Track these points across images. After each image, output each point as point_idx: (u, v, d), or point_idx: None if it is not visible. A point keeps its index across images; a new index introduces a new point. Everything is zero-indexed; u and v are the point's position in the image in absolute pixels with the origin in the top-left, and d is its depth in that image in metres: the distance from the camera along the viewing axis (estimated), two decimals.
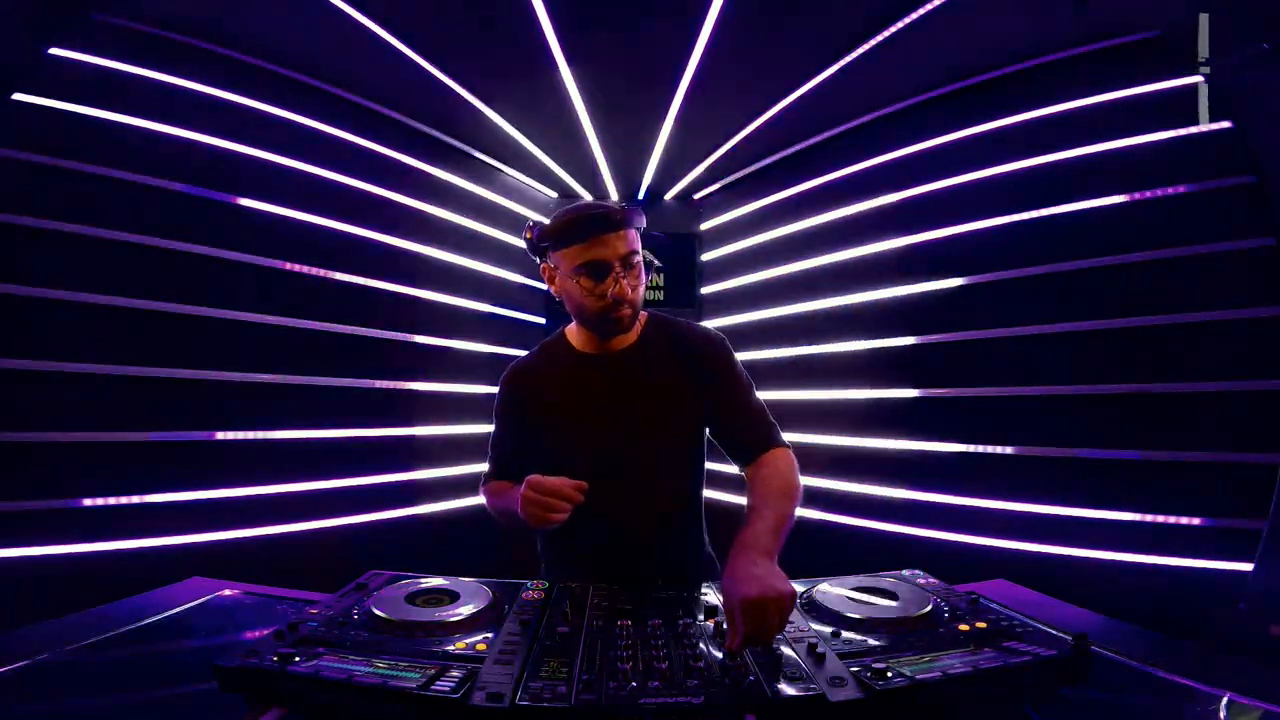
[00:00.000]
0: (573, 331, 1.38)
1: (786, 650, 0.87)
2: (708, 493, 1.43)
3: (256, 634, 0.96)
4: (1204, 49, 2.11)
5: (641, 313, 1.37)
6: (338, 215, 2.96)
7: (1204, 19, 2.10)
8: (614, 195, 3.79)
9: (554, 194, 3.82)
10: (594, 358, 1.34)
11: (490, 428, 1.45)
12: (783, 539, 1.06)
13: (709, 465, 1.41)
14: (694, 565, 1.38)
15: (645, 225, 1.29)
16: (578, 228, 1.21)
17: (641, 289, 1.27)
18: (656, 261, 3.81)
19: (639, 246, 1.25)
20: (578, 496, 1.07)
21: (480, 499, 1.45)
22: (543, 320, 3.69)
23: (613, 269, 1.20)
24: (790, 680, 0.80)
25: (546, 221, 1.27)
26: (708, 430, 1.38)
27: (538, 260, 1.32)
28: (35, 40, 2.30)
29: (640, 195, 3.85)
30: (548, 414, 1.33)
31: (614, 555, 1.32)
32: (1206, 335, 2.35)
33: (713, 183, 3.77)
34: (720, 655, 0.87)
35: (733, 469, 1.34)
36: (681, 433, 1.33)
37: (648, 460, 1.31)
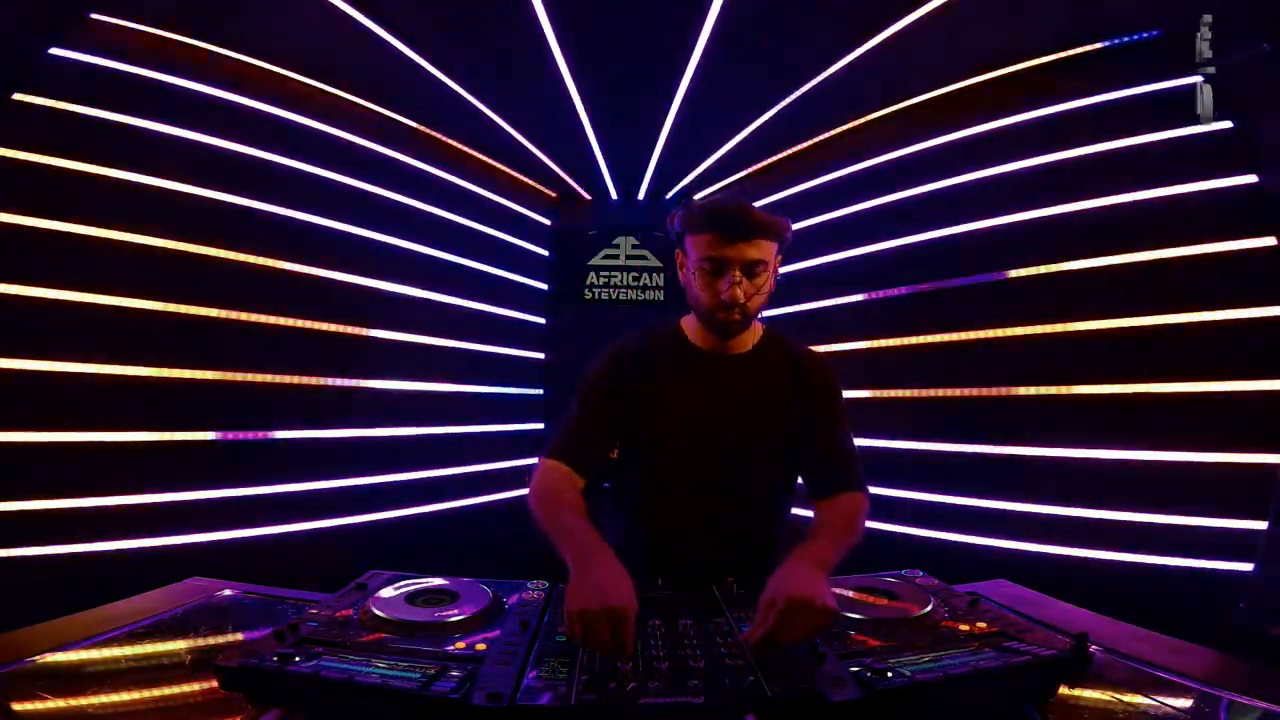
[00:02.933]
0: (689, 323, 1.36)
1: (786, 650, 0.87)
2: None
3: (256, 634, 0.95)
4: (1204, 49, 2.10)
5: (759, 324, 1.36)
6: (337, 215, 2.96)
7: (1204, 19, 2.10)
8: (614, 195, 3.79)
9: (554, 194, 3.82)
10: (708, 354, 1.33)
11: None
12: (838, 562, 1.06)
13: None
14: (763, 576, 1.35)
15: (789, 239, 1.26)
16: (714, 220, 1.20)
17: (760, 300, 1.24)
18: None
19: (770, 258, 1.22)
20: (622, 656, 0.86)
21: (520, 491, 1.29)
22: (543, 320, 3.69)
23: (732, 270, 1.19)
24: (790, 680, 0.80)
25: (695, 207, 1.25)
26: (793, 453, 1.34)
27: (674, 244, 1.30)
28: (35, 40, 2.30)
29: (640, 195, 3.85)
30: (647, 400, 1.30)
31: (690, 553, 1.29)
32: (1206, 335, 2.35)
33: (713, 183, 3.77)
34: (720, 654, 0.87)
35: None
36: (778, 447, 1.31)
37: (743, 466, 1.29)
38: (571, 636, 0.86)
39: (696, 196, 3.73)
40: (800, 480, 1.34)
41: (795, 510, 1.39)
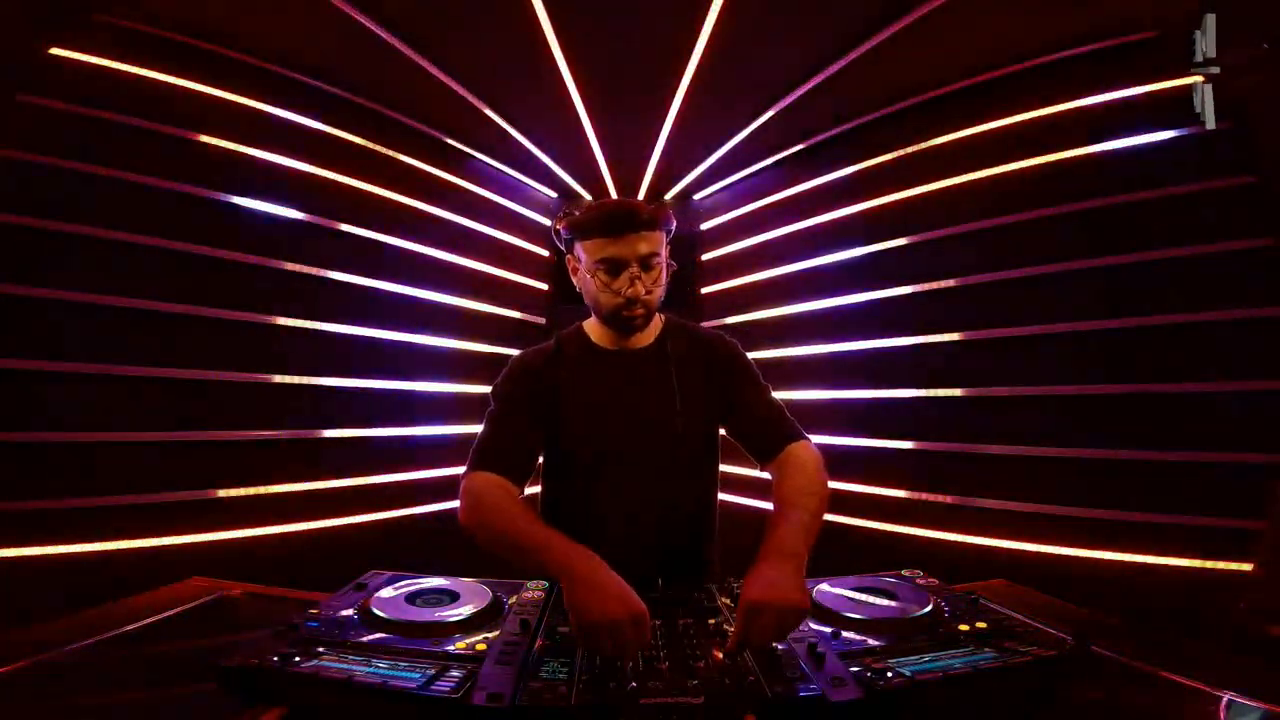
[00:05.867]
0: (591, 325, 1.38)
1: (786, 650, 0.87)
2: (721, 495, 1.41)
3: (256, 634, 0.96)
4: (1204, 49, 2.11)
5: (659, 315, 1.37)
6: (338, 215, 2.96)
7: (1204, 19, 2.10)
8: (614, 195, 3.79)
9: (554, 194, 3.82)
10: (612, 353, 1.34)
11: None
12: (813, 539, 1.03)
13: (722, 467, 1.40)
14: (700, 568, 1.36)
15: (674, 228, 1.29)
16: (601, 222, 1.22)
17: (660, 291, 1.27)
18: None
19: (661, 249, 1.26)
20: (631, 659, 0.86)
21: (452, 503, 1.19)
22: (543, 320, 3.69)
23: (630, 267, 1.21)
24: (790, 680, 0.80)
25: (577, 212, 1.26)
26: (725, 430, 1.36)
27: (563, 251, 1.32)
28: (35, 40, 2.30)
29: (640, 195, 3.85)
30: (563, 404, 1.31)
31: (620, 554, 1.30)
32: (1206, 335, 2.35)
33: (712, 183, 3.76)
34: (721, 655, 0.87)
35: (743, 470, 1.32)
36: (696, 433, 1.32)
37: (661, 459, 1.30)
38: (593, 645, 0.83)
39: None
40: (750, 455, 1.33)
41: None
